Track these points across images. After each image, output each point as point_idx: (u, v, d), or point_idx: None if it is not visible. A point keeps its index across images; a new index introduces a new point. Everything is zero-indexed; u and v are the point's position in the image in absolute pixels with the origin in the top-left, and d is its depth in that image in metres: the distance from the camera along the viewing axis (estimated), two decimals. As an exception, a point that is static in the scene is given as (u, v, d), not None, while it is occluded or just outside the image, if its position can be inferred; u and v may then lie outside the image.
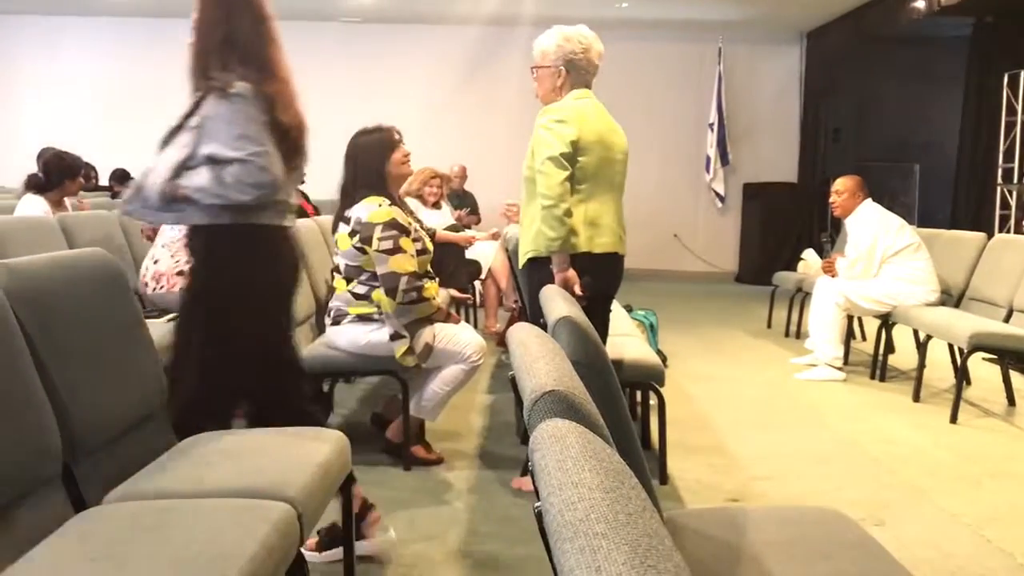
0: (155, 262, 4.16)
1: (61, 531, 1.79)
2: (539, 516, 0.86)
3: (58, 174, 5.04)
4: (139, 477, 2.12)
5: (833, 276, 5.66)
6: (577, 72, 3.29)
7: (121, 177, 8.60)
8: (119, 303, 2.37)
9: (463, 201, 8.36)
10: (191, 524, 1.76)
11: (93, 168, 8.87)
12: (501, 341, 6.16)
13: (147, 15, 10.68)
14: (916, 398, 5.02)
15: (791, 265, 8.10)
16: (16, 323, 1.90)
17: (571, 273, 3.15)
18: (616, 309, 4.40)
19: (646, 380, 3.59)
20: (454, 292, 5.16)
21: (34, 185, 5.11)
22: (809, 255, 7.08)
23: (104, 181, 9.07)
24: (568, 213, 3.12)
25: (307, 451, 2.25)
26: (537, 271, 3.24)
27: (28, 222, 4.32)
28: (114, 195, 8.00)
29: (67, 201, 5.23)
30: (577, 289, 3.13)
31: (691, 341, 6.79)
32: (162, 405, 2.44)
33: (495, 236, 6.96)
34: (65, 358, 2.03)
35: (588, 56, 3.30)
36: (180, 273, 4.09)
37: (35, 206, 4.93)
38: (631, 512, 0.69)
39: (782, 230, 10.69)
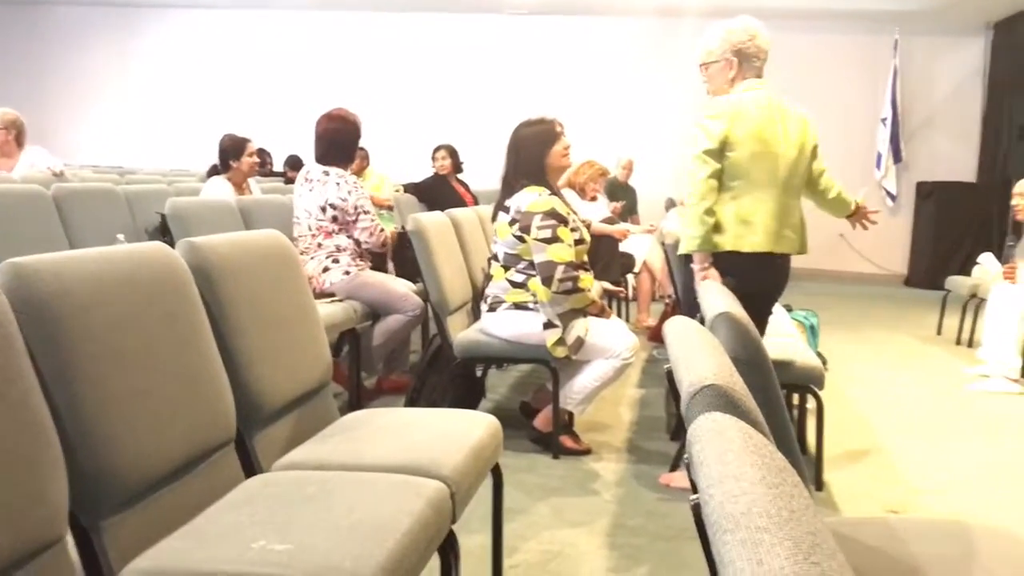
0: None
1: (233, 494, 1.90)
2: (696, 508, 0.85)
3: (223, 155, 5.34)
4: (304, 448, 2.23)
5: (1014, 283, 5.30)
6: (748, 60, 3.22)
7: (294, 163, 9.01)
8: (291, 282, 2.49)
9: (624, 194, 8.30)
10: (351, 495, 1.84)
11: (268, 154, 9.34)
12: (653, 336, 6.10)
13: (319, 8, 11.20)
14: (1104, 417, 4.66)
15: (965, 269, 7.62)
16: (200, 297, 2.03)
17: (712, 272, 3.09)
18: (776, 309, 4.28)
19: (804, 382, 3.48)
20: (607, 285, 5.14)
21: (214, 169, 5.45)
22: (986, 259, 6.63)
23: (279, 167, 9.53)
24: (709, 212, 3.06)
25: (461, 432, 2.30)
26: (689, 267, 3.21)
27: (210, 204, 4.60)
28: (287, 180, 8.37)
29: (251, 185, 5.52)
30: None
31: (854, 345, 6.52)
32: (327, 381, 2.56)
33: (651, 230, 6.90)
34: (241, 333, 2.15)
35: (756, 43, 3.21)
36: (326, 269, 4.20)
37: (218, 188, 5.23)
38: (794, 509, 0.68)
39: (957, 232, 10.07)
